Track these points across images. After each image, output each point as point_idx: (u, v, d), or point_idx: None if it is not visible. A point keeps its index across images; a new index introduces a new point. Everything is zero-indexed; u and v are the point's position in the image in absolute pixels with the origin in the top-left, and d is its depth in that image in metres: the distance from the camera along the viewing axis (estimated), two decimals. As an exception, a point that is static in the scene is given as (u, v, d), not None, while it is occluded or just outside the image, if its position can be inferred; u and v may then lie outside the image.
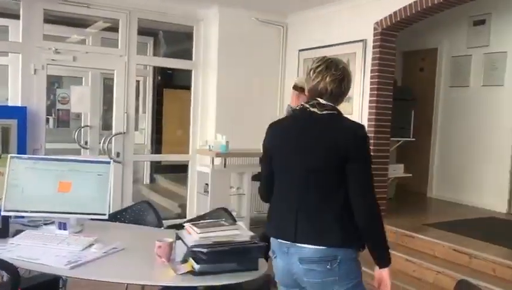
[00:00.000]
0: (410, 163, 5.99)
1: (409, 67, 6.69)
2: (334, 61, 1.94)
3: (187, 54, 6.01)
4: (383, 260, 1.90)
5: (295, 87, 3.48)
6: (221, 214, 3.00)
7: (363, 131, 1.90)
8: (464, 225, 4.75)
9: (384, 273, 1.90)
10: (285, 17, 6.20)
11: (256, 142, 5.53)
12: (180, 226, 2.35)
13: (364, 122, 5.02)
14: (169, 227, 3.05)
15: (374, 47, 5.02)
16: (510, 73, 5.48)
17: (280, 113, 6.29)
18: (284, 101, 6.33)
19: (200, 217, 3.14)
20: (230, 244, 2.07)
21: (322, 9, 5.66)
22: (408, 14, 4.67)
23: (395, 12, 4.78)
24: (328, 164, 1.84)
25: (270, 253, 2.10)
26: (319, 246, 1.83)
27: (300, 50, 6.09)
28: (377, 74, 4.98)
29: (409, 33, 5.40)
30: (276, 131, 2.06)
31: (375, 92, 4.98)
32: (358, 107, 5.18)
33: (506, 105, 5.50)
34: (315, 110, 1.88)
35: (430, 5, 4.44)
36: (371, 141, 4.99)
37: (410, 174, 5.76)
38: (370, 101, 5.03)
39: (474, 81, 5.88)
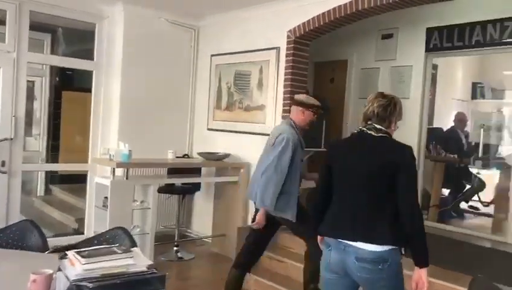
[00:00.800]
0: (321, 174, 5.98)
1: (320, 78, 6.71)
2: (383, 92, 2.40)
3: (90, 54, 5.49)
4: (424, 260, 2.19)
5: (301, 104, 3.46)
6: (119, 235, 2.63)
7: (411, 150, 2.26)
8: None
9: (422, 274, 2.17)
10: (197, 20, 5.92)
11: (163, 152, 5.22)
12: (69, 248, 1.97)
13: (277, 132, 4.89)
14: (56, 250, 2.61)
15: (287, 55, 4.91)
16: (415, 86, 5.66)
17: (194, 121, 6.00)
18: (195, 108, 6.04)
19: (93, 238, 2.74)
20: (122, 277, 1.74)
21: (235, 14, 5.47)
22: (321, 23, 4.61)
23: (308, 21, 4.70)
24: (383, 176, 2.20)
25: (323, 246, 2.37)
26: (373, 244, 2.14)
27: (212, 55, 5.84)
28: (290, 82, 4.87)
29: (320, 44, 5.38)
30: (341, 149, 2.45)
31: (289, 101, 4.85)
32: (271, 116, 5.04)
33: (412, 117, 5.66)
34: (372, 132, 2.27)
35: (343, 14, 4.41)
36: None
37: (322, 185, 5.72)
38: (284, 111, 4.90)
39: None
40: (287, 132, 3.33)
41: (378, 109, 2.29)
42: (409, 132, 5.66)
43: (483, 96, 7.95)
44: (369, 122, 2.31)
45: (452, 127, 6.20)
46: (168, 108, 5.71)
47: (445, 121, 6.92)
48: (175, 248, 5.10)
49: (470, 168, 6.12)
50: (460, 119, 6.20)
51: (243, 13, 5.37)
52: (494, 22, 4.99)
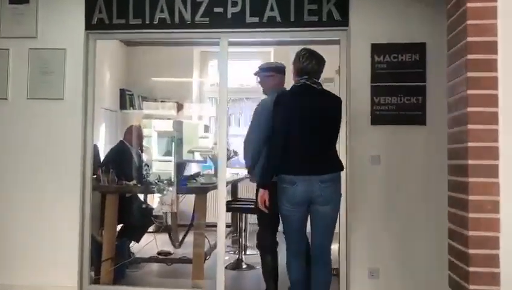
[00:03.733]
0: None
1: None
2: (314, 51, 3.04)
3: None
4: None
5: (278, 70, 3.57)
6: None
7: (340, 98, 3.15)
8: None
9: None
10: None
11: None
12: None
13: None
14: None
15: None
16: (72, 81, 3.70)
17: None
18: None
19: None
20: None
21: None
22: None
23: None
24: (329, 122, 2.96)
25: (287, 185, 2.88)
26: (332, 173, 2.94)
27: None
28: None
29: None
30: (292, 100, 3.00)
31: None
32: None
33: (70, 128, 3.67)
34: (315, 86, 2.96)
35: None
36: None
37: None
38: None
39: (16, 91, 3.72)
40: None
41: (316, 66, 2.96)
42: (66, 149, 3.67)
43: (133, 106, 6.67)
44: (305, 77, 2.94)
45: (121, 142, 4.52)
46: None
47: (97, 136, 5.21)
48: None
49: (139, 198, 4.56)
50: (130, 131, 4.59)
51: None
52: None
